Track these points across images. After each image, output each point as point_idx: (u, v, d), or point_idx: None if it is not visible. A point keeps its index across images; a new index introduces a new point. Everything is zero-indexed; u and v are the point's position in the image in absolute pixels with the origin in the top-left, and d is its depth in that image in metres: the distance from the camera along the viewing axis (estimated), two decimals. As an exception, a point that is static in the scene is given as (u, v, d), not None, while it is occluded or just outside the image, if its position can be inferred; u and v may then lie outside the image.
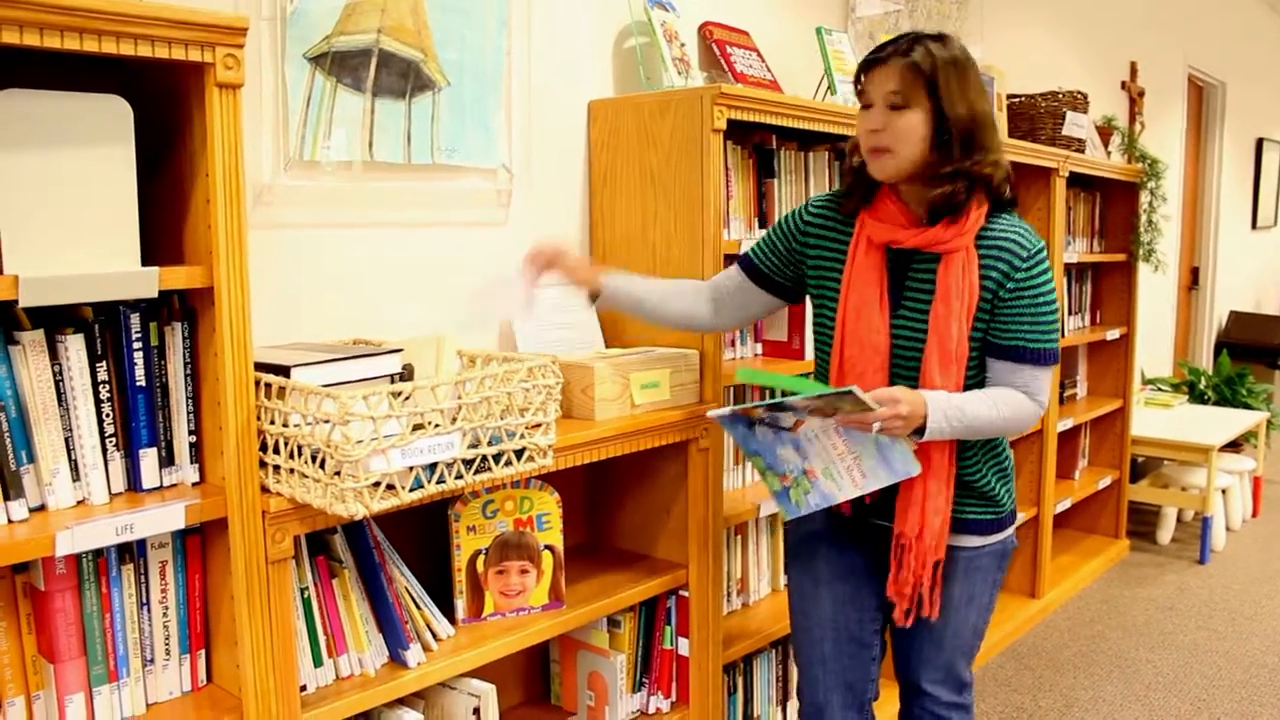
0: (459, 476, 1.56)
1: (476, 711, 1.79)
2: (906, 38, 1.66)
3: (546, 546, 1.93)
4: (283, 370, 1.50)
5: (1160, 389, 5.35)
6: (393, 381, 1.62)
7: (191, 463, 1.48)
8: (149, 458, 1.44)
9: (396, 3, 1.90)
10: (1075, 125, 3.59)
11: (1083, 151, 3.71)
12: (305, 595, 1.60)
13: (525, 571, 1.91)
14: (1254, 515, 5.03)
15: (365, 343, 1.79)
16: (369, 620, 1.69)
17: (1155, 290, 5.52)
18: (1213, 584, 4.07)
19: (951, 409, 1.63)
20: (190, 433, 1.47)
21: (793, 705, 2.61)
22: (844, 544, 1.88)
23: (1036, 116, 3.56)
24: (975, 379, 1.72)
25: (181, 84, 1.39)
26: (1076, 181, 3.80)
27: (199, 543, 1.52)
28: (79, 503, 1.39)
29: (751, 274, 1.91)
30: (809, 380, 1.69)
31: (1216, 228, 6.68)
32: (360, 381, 1.58)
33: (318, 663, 1.62)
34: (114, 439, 1.42)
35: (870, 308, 1.72)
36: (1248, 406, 5.18)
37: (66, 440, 1.38)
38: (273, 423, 1.48)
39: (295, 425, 1.45)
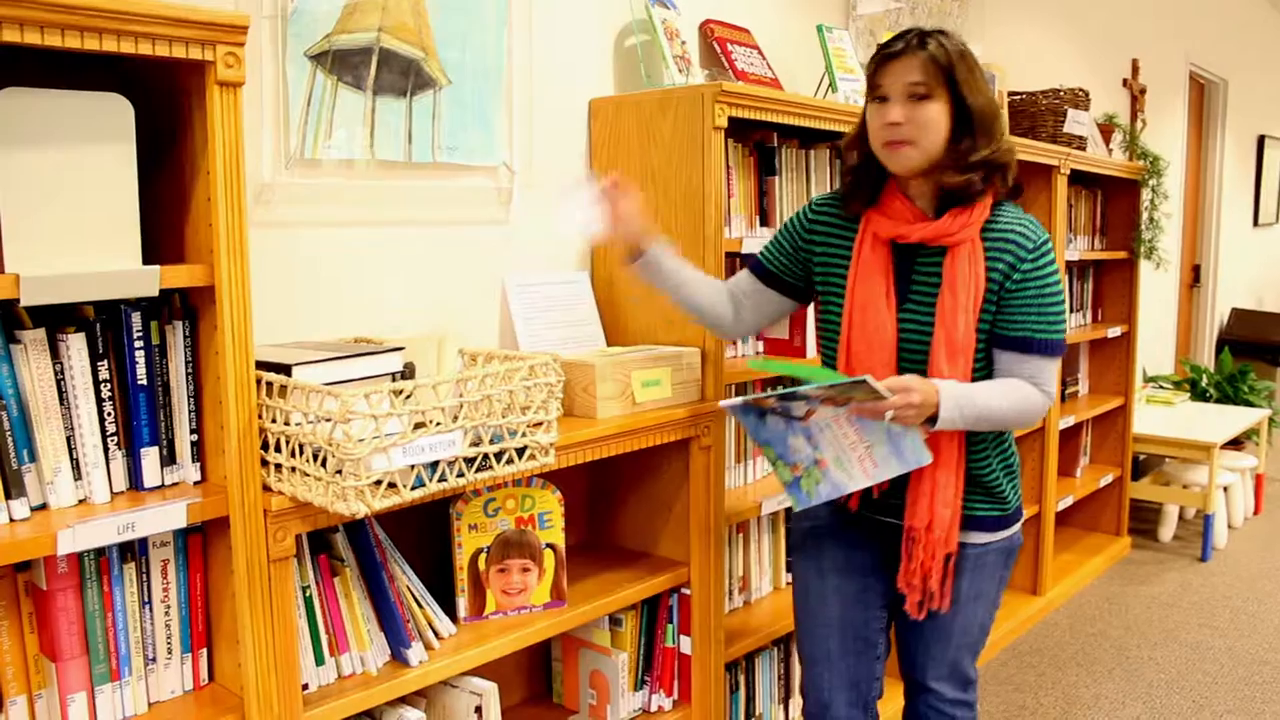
0: (460, 475, 1.56)
1: (478, 710, 1.79)
2: (914, 32, 1.68)
3: (548, 545, 1.93)
4: (284, 369, 1.50)
5: (1162, 386, 5.35)
6: (394, 380, 1.62)
7: (193, 461, 1.48)
8: (150, 456, 1.44)
9: (397, 1, 1.90)
10: (1076, 123, 3.58)
11: (1084, 149, 3.70)
12: (307, 594, 1.60)
13: (527, 570, 1.91)
14: (1256, 513, 5.02)
15: (366, 341, 1.79)
16: (370, 619, 1.69)
17: (1157, 288, 5.52)
18: (1214, 582, 4.07)
19: (963, 398, 1.64)
20: (191, 431, 1.47)
21: (794, 703, 2.61)
22: (850, 541, 1.88)
23: (1038, 114, 3.56)
24: (982, 372, 1.73)
25: (182, 82, 1.39)
26: (1078, 179, 3.79)
27: (200, 541, 1.52)
28: (80, 501, 1.40)
29: (762, 276, 1.91)
30: (822, 368, 1.69)
31: (1218, 225, 6.67)
32: (362, 380, 1.58)
33: (319, 661, 1.62)
34: (115, 438, 1.42)
35: (877, 302, 1.72)
36: (1249, 404, 5.18)
37: (68, 439, 1.38)
38: (274, 421, 1.48)
39: (297, 424, 1.45)
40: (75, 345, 1.37)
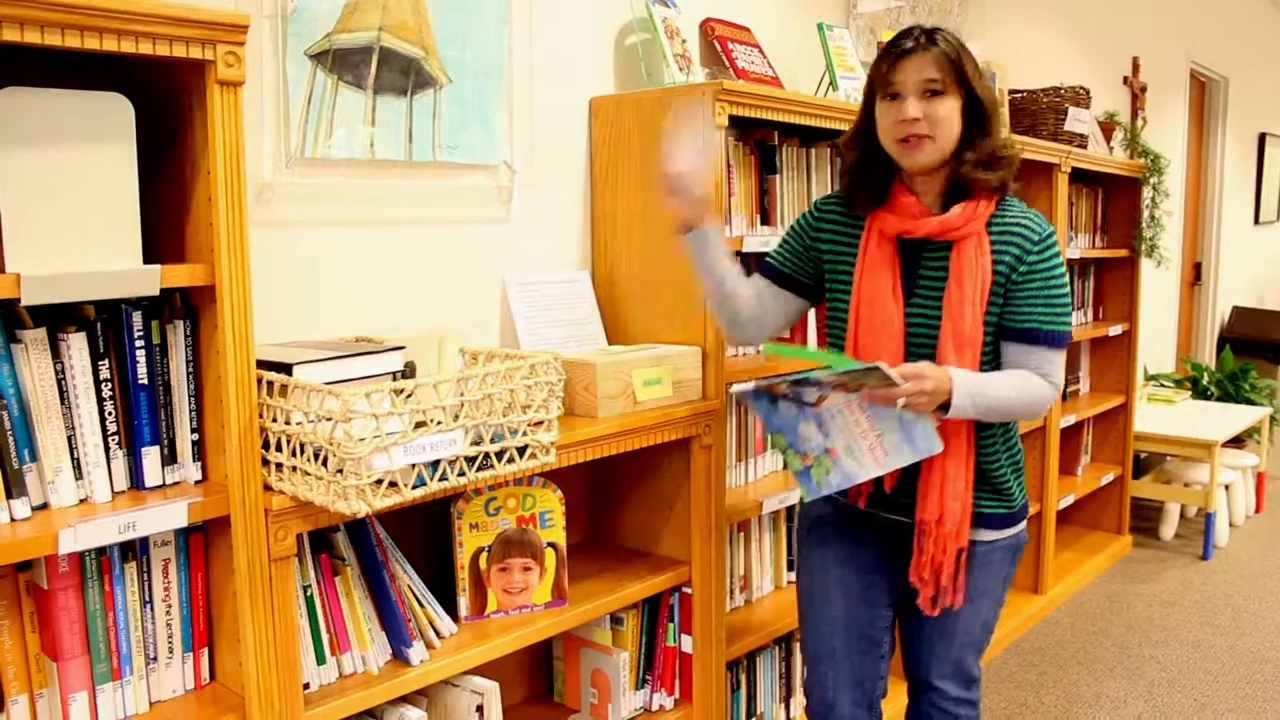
0: (461, 474, 1.56)
1: (479, 709, 1.79)
2: (919, 29, 1.70)
3: (549, 544, 1.93)
4: (285, 368, 1.50)
5: (1163, 385, 5.35)
6: (395, 379, 1.62)
7: (194, 461, 1.48)
8: (151, 456, 1.44)
9: (398, 0, 1.89)
10: (1077, 121, 3.58)
11: (1085, 147, 3.70)
12: (308, 593, 1.60)
13: (528, 569, 1.91)
14: (1257, 511, 5.02)
15: (367, 340, 1.79)
16: (372, 618, 1.69)
17: (1158, 286, 5.52)
18: (1216, 580, 4.07)
19: (975, 386, 1.64)
20: (192, 431, 1.47)
21: (795, 702, 2.61)
22: (856, 539, 1.88)
23: (1038, 112, 3.56)
24: (990, 364, 1.74)
25: (183, 81, 1.39)
26: (1079, 177, 3.79)
27: (201, 541, 1.52)
28: (81, 501, 1.40)
29: (775, 278, 1.90)
30: (835, 354, 1.70)
31: (1219, 223, 6.67)
32: (362, 379, 1.58)
33: (320, 660, 1.62)
34: (116, 437, 1.42)
35: (884, 296, 1.73)
36: (1250, 402, 5.17)
37: (69, 438, 1.38)
38: (275, 420, 1.48)
39: (297, 423, 1.45)
40: (76, 345, 1.37)
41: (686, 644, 2.18)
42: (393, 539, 1.73)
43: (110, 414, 1.41)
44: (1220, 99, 6.56)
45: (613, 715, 2.12)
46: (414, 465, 1.49)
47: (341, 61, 1.83)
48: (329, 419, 1.41)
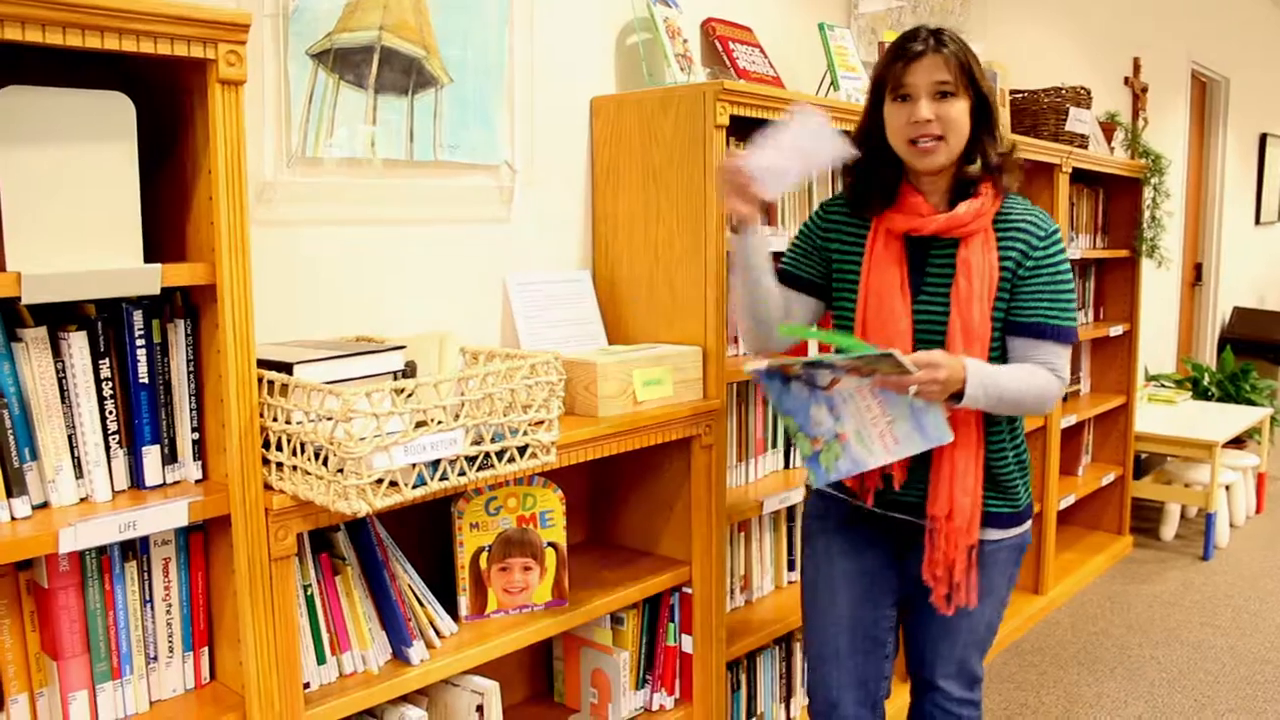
0: (462, 473, 1.56)
1: (480, 709, 1.79)
2: (925, 30, 1.70)
3: (549, 543, 1.93)
4: (285, 367, 1.50)
5: (1164, 385, 5.35)
6: (396, 378, 1.62)
7: (194, 460, 1.48)
8: (152, 455, 1.44)
9: (399, 0, 1.90)
10: (1078, 121, 3.58)
11: (1086, 147, 3.70)
12: (308, 592, 1.60)
13: (528, 568, 1.91)
14: (1258, 511, 5.02)
15: (368, 340, 1.79)
16: (372, 617, 1.69)
17: (1159, 286, 5.51)
18: (1216, 580, 4.06)
19: (988, 376, 1.65)
20: (193, 430, 1.47)
21: (796, 702, 2.61)
22: (861, 538, 1.88)
23: (1039, 112, 3.55)
24: (997, 361, 1.75)
25: (184, 80, 1.39)
26: (1080, 177, 3.79)
27: (202, 540, 1.52)
28: (82, 500, 1.39)
29: (789, 281, 1.90)
30: (849, 336, 1.70)
31: (1220, 223, 6.67)
32: (363, 378, 1.58)
33: (321, 660, 1.62)
34: (117, 436, 1.42)
35: (891, 292, 1.74)
36: (1251, 403, 5.17)
37: (69, 437, 1.38)
38: (275, 420, 1.48)
39: (298, 422, 1.45)
40: (77, 343, 1.37)
41: (687, 644, 2.18)
42: (393, 538, 1.73)
43: (111, 413, 1.41)
44: (1221, 99, 6.56)
45: (613, 715, 2.12)
46: (414, 465, 1.49)
47: (343, 61, 1.83)
48: (329, 418, 1.40)
